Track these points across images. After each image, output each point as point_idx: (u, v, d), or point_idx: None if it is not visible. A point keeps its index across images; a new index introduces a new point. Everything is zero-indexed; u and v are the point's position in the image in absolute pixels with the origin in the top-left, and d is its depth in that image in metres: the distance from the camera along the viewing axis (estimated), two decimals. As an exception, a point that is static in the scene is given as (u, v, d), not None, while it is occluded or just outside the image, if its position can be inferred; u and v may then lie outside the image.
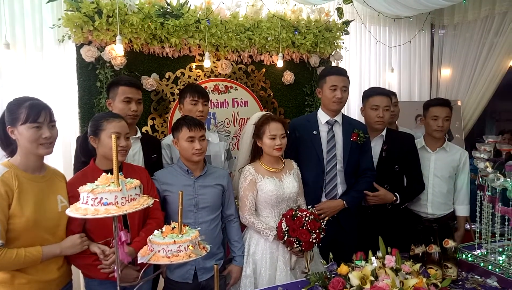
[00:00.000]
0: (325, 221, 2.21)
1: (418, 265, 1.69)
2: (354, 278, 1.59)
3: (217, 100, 3.21)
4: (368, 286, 1.53)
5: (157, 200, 1.91)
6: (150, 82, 2.90)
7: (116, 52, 2.65)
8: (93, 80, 2.71)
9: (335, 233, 2.41)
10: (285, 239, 2.11)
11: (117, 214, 1.22)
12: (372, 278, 1.56)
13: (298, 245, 2.09)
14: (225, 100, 3.27)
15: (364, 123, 2.70)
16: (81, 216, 1.21)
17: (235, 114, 3.33)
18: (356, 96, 4.19)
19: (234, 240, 2.27)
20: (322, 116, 2.55)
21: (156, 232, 1.46)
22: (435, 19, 4.58)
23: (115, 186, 1.26)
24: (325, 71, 2.57)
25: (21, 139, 1.62)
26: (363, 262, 1.73)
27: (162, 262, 1.38)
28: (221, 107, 3.26)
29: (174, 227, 1.49)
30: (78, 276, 2.04)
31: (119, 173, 1.31)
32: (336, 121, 2.53)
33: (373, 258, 1.65)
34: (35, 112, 1.63)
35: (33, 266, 1.62)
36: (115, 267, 1.41)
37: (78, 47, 2.64)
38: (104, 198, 1.23)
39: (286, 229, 2.11)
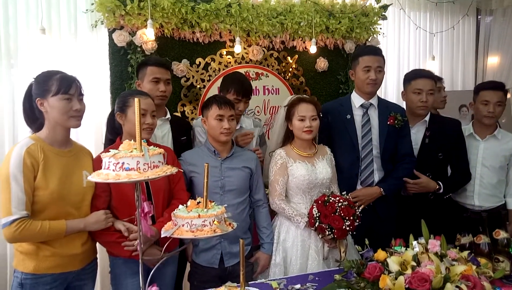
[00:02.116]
0: (360, 209, 2.07)
1: (466, 252, 1.52)
2: (393, 263, 1.45)
3: (247, 87, 3.13)
4: (409, 271, 1.39)
5: (181, 171, 1.89)
6: (180, 67, 2.87)
7: (147, 36, 2.64)
8: (125, 65, 2.71)
9: (371, 223, 2.25)
10: (316, 225, 1.99)
11: (139, 180, 1.16)
12: (414, 264, 1.41)
13: (330, 233, 1.96)
14: (256, 87, 3.18)
15: (404, 108, 2.53)
16: (102, 180, 1.17)
17: (266, 102, 3.24)
18: (393, 84, 3.98)
19: (263, 226, 2.18)
20: (356, 99, 2.41)
21: (180, 206, 1.40)
22: (482, 3, 4.26)
23: (138, 152, 1.20)
24: (358, 51, 2.44)
25: (51, 111, 1.62)
26: (403, 249, 1.58)
27: (186, 236, 1.32)
28: (252, 95, 3.17)
29: (200, 202, 1.43)
30: (106, 257, 2.01)
31: (143, 141, 1.26)
32: (371, 104, 2.38)
33: (414, 243, 1.50)
34: (66, 84, 1.63)
35: (57, 240, 1.62)
36: (138, 241, 1.36)
37: (110, 32, 2.65)
38: (126, 163, 1.18)
39: (317, 215, 1.99)
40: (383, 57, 2.37)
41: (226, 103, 2.04)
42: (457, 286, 1.32)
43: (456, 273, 1.36)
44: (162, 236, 1.34)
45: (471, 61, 4.42)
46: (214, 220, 1.36)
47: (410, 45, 4.13)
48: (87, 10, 2.69)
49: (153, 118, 1.87)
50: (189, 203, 1.41)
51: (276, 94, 3.25)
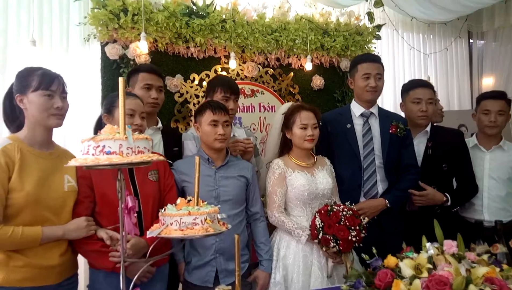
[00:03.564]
0: (365, 219, 1.93)
1: (486, 255, 1.37)
2: (407, 267, 1.29)
3: (243, 104, 3.06)
4: (425, 275, 1.23)
5: (169, 162, 1.81)
6: (174, 82, 2.80)
7: (140, 49, 2.59)
8: (117, 79, 2.62)
9: (376, 237, 2.08)
10: (319, 237, 1.84)
11: (121, 163, 1.03)
12: (430, 266, 1.26)
13: (335, 244, 1.81)
14: (251, 104, 3.12)
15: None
16: (80, 164, 1.04)
17: (262, 119, 3.16)
18: (390, 103, 3.94)
19: (261, 242, 2.02)
20: (356, 108, 2.33)
21: (169, 205, 1.26)
22: (473, 26, 4.33)
23: (121, 135, 1.09)
24: (356, 59, 2.39)
25: (30, 108, 1.51)
26: (415, 255, 1.42)
27: (175, 235, 1.18)
28: (247, 112, 3.10)
29: (190, 200, 1.29)
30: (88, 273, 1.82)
31: (127, 126, 1.14)
32: (372, 113, 2.31)
33: (428, 244, 1.36)
34: (48, 79, 1.54)
35: (32, 249, 1.45)
36: (120, 242, 1.20)
37: (103, 46, 2.60)
38: (107, 146, 1.06)
39: (320, 225, 1.85)
40: (382, 64, 2.32)
41: (221, 108, 1.94)
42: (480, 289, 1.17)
43: (478, 276, 1.21)
44: (148, 236, 1.20)
45: (466, 81, 4.43)
46: (206, 218, 1.22)
47: (405, 65, 4.15)
48: (79, 23, 2.66)
49: (142, 119, 1.76)
50: (178, 200, 1.28)
51: (272, 111, 3.18)
